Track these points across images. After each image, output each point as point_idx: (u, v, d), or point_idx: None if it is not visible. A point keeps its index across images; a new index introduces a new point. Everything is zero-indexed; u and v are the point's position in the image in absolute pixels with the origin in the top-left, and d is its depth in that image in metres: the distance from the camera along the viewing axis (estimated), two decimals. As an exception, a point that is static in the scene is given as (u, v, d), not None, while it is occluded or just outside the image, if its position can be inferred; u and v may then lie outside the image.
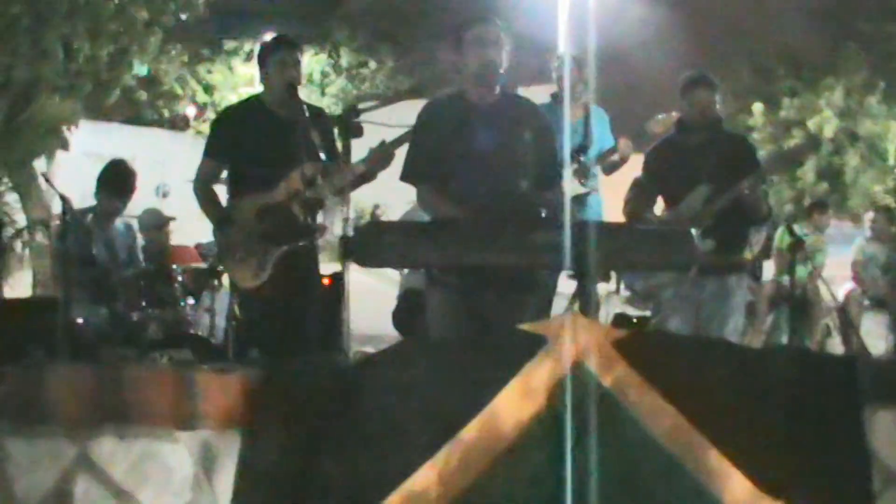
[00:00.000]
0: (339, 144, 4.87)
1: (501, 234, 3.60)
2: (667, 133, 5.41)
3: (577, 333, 3.22)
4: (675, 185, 5.15)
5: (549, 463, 3.14)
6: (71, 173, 9.46)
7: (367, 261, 3.60)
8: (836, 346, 8.14)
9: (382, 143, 4.60)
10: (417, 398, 3.11)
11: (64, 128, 10.21)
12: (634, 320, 6.53)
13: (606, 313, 6.87)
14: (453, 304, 4.00)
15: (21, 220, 9.18)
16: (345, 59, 20.06)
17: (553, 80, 6.39)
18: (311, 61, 19.37)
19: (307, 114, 4.77)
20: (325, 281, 5.54)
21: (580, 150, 5.79)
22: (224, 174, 5.10)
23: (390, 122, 4.57)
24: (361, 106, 5.05)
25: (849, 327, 7.84)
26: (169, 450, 3.09)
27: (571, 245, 3.67)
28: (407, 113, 4.57)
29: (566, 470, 3.13)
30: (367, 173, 4.79)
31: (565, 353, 3.19)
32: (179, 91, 18.64)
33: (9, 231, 8.34)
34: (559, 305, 5.14)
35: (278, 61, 4.89)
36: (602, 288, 8.99)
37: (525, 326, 3.25)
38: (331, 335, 4.98)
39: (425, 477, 3.08)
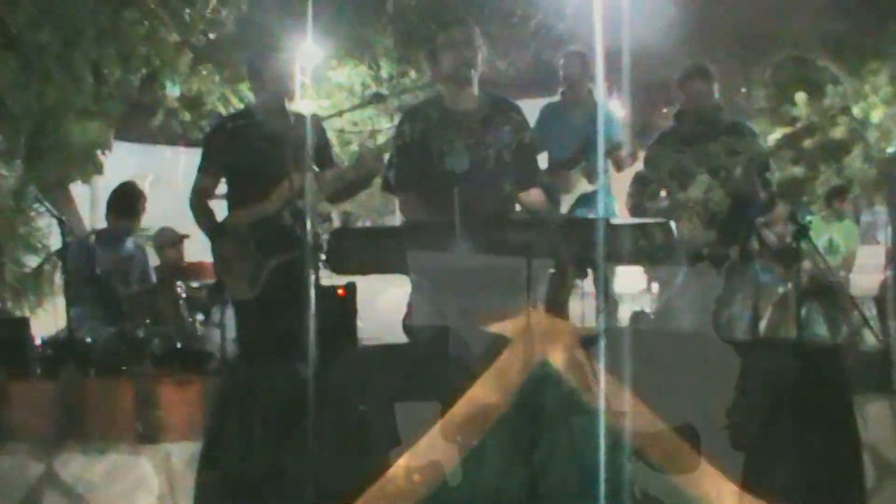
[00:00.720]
0: None
1: (471, 236, 3.55)
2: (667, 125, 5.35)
3: (541, 332, 3.17)
4: (675, 177, 5.08)
5: (515, 461, 3.09)
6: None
7: (338, 268, 3.58)
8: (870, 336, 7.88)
9: (373, 148, 4.58)
10: (378, 400, 3.09)
11: (98, 152, 10.32)
12: (652, 317, 6.41)
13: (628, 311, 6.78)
14: (434, 308, 3.95)
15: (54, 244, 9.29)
16: (385, 70, 20.08)
17: (560, 78, 6.34)
18: (352, 73, 19.42)
19: (300, 123, 4.77)
20: (339, 292, 5.51)
21: (585, 149, 5.75)
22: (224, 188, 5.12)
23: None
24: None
25: (885, 316, 7.62)
26: (133, 463, 3.11)
27: (548, 242, 3.62)
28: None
29: (531, 467, 3.08)
30: (360, 180, 4.77)
31: (529, 352, 3.14)
32: (223, 110, 18.79)
33: (41, 256, 8.49)
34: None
35: (268, 73, 4.90)
36: (634, 286, 8.89)
37: (491, 326, 3.21)
38: (342, 346, 4.95)
39: (395, 472, 3.06)
